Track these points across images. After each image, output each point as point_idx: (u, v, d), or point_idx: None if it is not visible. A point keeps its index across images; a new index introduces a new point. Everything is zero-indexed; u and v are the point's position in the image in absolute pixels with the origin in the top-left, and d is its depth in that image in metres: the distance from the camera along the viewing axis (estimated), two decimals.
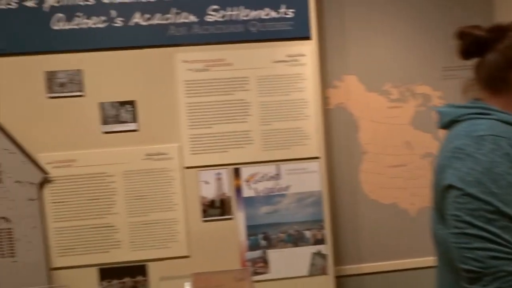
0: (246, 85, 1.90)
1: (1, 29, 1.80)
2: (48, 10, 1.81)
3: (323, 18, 2.06)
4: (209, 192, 1.93)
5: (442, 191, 0.90)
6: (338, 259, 2.09)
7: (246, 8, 1.87)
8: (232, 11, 1.87)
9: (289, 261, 1.96)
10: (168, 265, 1.94)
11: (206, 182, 1.92)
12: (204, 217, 1.93)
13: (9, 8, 1.81)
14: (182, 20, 1.85)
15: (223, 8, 1.87)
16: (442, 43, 2.13)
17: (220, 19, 1.87)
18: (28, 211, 1.85)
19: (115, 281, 1.93)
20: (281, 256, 1.96)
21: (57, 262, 1.90)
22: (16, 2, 1.80)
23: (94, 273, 1.92)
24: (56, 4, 1.81)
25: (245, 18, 1.87)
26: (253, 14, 1.88)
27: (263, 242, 1.96)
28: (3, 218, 1.85)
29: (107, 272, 1.93)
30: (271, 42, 1.90)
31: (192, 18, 1.86)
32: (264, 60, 1.90)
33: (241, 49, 1.90)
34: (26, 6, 1.80)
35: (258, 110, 1.91)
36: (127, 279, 1.94)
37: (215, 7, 1.86)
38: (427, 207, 2.14)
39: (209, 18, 1.87)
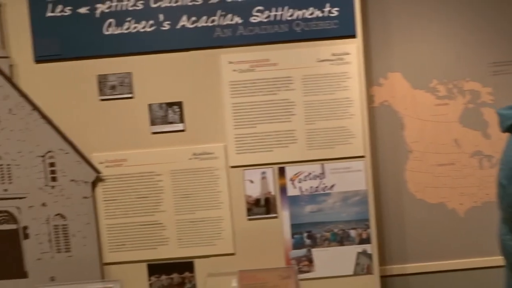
0: (291, 84, 1.91)
1: (57, 35, 1.89)
2: (99, 16, 1.89)
3: (367, 15, 2.04)
4: (254, 190, 1.95)
5: None
6: (383, 259, 2.07)
7: (290, 8, 1.88)
8: (276, 11, 1.88)
9: (334, 260, 1.96)
10: (214, 262, 1.98)
11: (251, 181, 1.95)
12: (249, 215, 1.96)
13: (63, 15, 1.89)
14: (227, 22, 1.88)
15: (268, 8, 1.88)
16: (491, 37, 2.07)
17: (265, 20, 1.89)
18: (82, 208, 1.94)
19: (163, 277, 1.99)
20: (326, 255, 1.96)
21: (109, 257, 1.98)
22: (70, 9, 1.88)
23: (143, 269, 1.99)
24: (107, 10, 1.89)
25: (289, 18, 1.88)
26: (298, 13, 1.88)
27: (307, 241, 1.96)
28: (59, 215, 1.95)
29: (156, 268, 1.99)
30: (316, 41, 1.90)
31: (237, 20, 1.88)
32: (308, 59, 1.90)
33: (285, 49, 1.91)
34: (79, 13, 1.89)
35: (303, 109, 1.92)
36: (175, 275, 1.99)
37: (259, 8, 1.88)
38: (476, 207, 2.08)
39: (253, 19, 1.89)
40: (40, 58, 1.90)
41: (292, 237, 1.96)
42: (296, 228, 1.96)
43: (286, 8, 1.88)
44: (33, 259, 1.95)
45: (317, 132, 1.92)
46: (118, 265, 1.99)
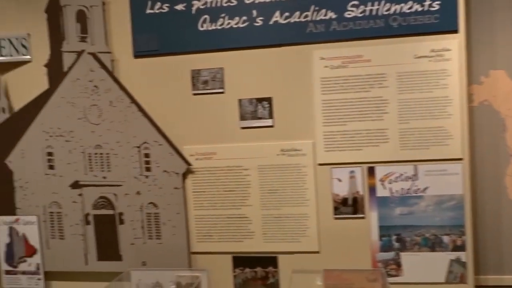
0: (384, 81, 1.84)
1: (155, 31, 1.97)
2: (195, 13, 1.94)
3: (470, 9, 1.91)
4: (342, 189, 1.92)
5: None
6: (478, 268, 1.95)
7: (387, 2, 1.81)
8: (372, 6, 1.82)
9: (424, 265, 1.88)
10: (298, 259, 1.97)
11: (339, 180, 1.91)
12: (336, 214, 1.93)
13: (161, 12, 1.97)
14: (321, 17, 1.85)
15: (363, 3, 1.82)
16: None
17: (360, 15, 1.83)
18: (173, 198, 2.02)
19: (247, 270, 2.03)
20: (416, 260, 1.88)
21: (197, 247, 2.05)
22: (167, 6, 1.95)
23: (228, 260, 2.04)
24: (202, 7, 1.93)
25: (386, 13, 1.81)
26: (395, 8, 1.80)
27: (396, 244, 1.89)
28: (152, 203, 2.04)
29: (241, 260, 2.03)
30: (414, 37, 1.81)
31: (331, 15, 1.84)
32: (405, 55, 1.82)
33: (380, 45, 1.84)
34: (176, 10, 1.95)
35: (396, 107, 1.84)
36: (258, 269, 2.02)
37: (355, 2, 1.83)
38: None
39: (348, 14, 1.84)
40: (139, 54, 2.00)
41: (380, 239, 1.90)
42: (384, 230, 1.90)
43: (382, 2, 1.81)
44: (127, 244, 2.07)
45: (411, 132, 1.84)
46: (204, 255, 2.05)
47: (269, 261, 2.00)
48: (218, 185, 2.01)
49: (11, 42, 2.05)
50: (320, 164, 1.92)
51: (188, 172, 2.01)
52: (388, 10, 1.81)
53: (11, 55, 2.06)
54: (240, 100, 1.96)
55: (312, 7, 1.86)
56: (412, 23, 1.80)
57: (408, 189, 1.87)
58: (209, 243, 2.04)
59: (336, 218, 1.93)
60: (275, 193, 1.96)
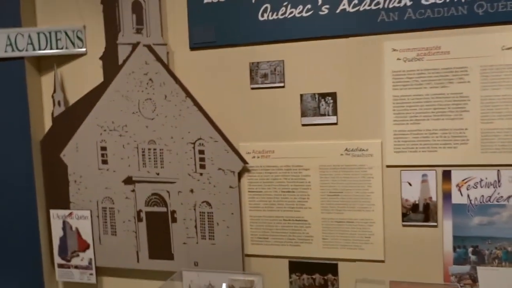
0: (466, 76, 1.65)
1: (212, 22, 1.87)
2: (255, 2, 1.82)
3: None
4: (412, 194, 1.75)
5: None
6: None
7: None
8: None
9: (504, 282, 1.69)
10: (360, 267, 1.83)
11: (409, 184, 1.75)
12: (404, 221, 1.77)
13: (219, 2, 1.86)
14: (394, 5, 1.68)
15: None
16: None
17: (439, 1, 1.64)
18: (228, 197, 1.92)
19: (305, 276, 1.91)
20: (494, 276, 1.69)
21: (251, 249, 1.94)
22: None
23: (284, 265, 1.93)
24: None
25: None
26: None
27: (472, 257, 1.71)
28: (206, 202, 1.96)
29: (298, 266, 1.91)
30: (502, 26, 1.60)
31: (406, 2, 1.67)
32: (490, 47, 1.62)
33: (461, 35, 1.64)
34: None
35: (478, 105, 1.65)
36: (317, 275, 1.89)
37: None
38: None
39: (425, 1, 1.65)
40: (195, 45, 1.91)
41: (454, 250, 1.72)
42: (459, 240, 1.72)
43: None
44: (180, 243, 2.00)
45: (495, 133, 1.64)
46: (259, 258, 1.95)
47: (328, 268, 1.87)
48: (276, 185, 1.89)
49: (67, 35, 2.01)
50: (389, 166, 1.76)
51: (244, 170, 1.91)
52: None
53: (66, 48, 2.02)
54: (301, 95, 1.83)
55: None
56: (501, 10, 1.59)
57: (489, 196, 1.67)
58: (264, 246, 1.93)
59: (405, 226, 1.77)
60: (337, 195, 1.82)
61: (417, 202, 1.75)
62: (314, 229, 1.87)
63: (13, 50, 2.00)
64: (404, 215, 1.77)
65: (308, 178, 1.85)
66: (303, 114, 1.83)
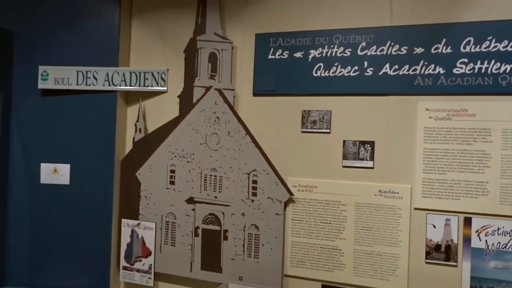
0: (488, 136, 1.91)
1: (273, 74, 2.24)
2: (311, 61, 2.18)
3: None
4: (436, 235, 1.99)
5: None
6: None
7: (498, 61, 1.89)
8: (482, 64, 1.91)
9: None
10: None
11: (434, 226, 1.99)
12: (427, 259, 2.00)
13: (281, 58, 2.24)
14: (429, 72, 1.99)
15: (473, 61, 1.92)
16: None
17: (468, 72, 1.93)
18: (274, 223, 2.23)
19: None
20: None
21: (290, 270, 2.23)
22: (287, 53, 2.22)
23: (318, 287, 2.19)
24: (318, 56, 2.16)
25: (495, 71, 1.89)
26: (506, 67, 1.88)
27: None
28: (254, 225, 2.27)
29: None
30: None
31: (440, 70, 1.97)
32: (510, 113, 1.88)
33: (487, 101, 1.92)
34: (295, 57, 2.21)
35: (499, 162, 1.89)
36: None
37: (464, 60, 1.93)
38: None
39: (456, 71, 1.95)
40: (258, 92, 2.28)
41: None
42: (476, 281, 1.93)
43: (493, 61, 1.90)
44: (228, 258, 2.32)
45: None
46: (296, 279, 2.22)
47: None
48: (316, 216, 2.18)
49: (153, 75, 2.45)
50: (416, 209, 2.02)
51: (289, 201, 2.22)
52: (498, 69, 1.89)
53: (151, 86, 2.46)
54: (344, 141, 2.14)
55: (422, 62, 2.00)
56: None
57: (505, 244, 1.89)
58: (301, 269, 2.21)
59: (428, 263, 2.00)
60: (369, 230, 2.09)
61: (439, 243, 1.98)
62: (347, 258, 2.13)
63: (109, 85, 2.46)
64: (427, 253, 2.00)
65: (345, 212, 2.13)
66: (344, 157, 2.14)
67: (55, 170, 2.52)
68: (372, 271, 2.09)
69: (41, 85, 2.50)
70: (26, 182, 2.55)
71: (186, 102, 2.40)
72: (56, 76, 2.48)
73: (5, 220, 2.55)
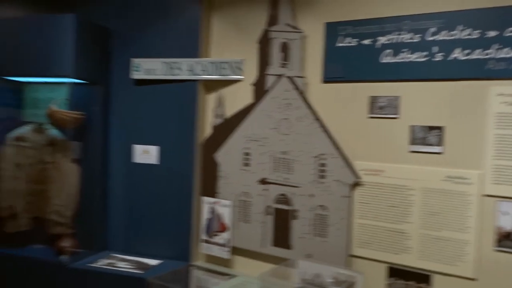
0: None
1: (342, 61, 2.32)
2: (379, 47, 2.22)
3: None
4: (507, 223, 1.95)
5: None
6: None
7: None
8: None
9: None
10: (452, 281, 2.08)
11: (505, 213, 1.95)
12: (497, 246, 1.97)
13: (350, 46, 2.30)
14: (502, 55, 1.93)
15: None
16: None
17: None
18: (341, 205, 2.33)
19: (400, 281, 2.21)
20: None
21: (355, 251, 2.32)
22: (356, 41, 2.28)
23: (382, 269, 2.25)
24: (386, 42, 2.20)
25: None
26: None
27: None
28: (322, 206, 2.39)
29: (395, 271, 2.22)
30: None
31: None
32: None
33: None
34: (363, 44, 2.26)
35: None
36: (411, 283, 2.18)
37: None
38: None
39: None
40: (327, 79, 2.37)
41: None
42: None
43: None
44: (297, 237, 2.46)
45: None
46: (361, 260, 2.31)
47: (423, 277, 2.15)
48: (382, 200, 2.24)
49: (230, 65, 2.65)
50: (486, 195, 1.99)
51: (356, 184, 2.30)
52: None
53: (229, 75, 2.66)
54: (412, 126, 2.16)
55: (495, 46, 1.95)
56: None
57: None
58: (367, 250, 2.29)
59: (497, 251, 1.97)
60: (436, 215, 2.10)
61: (510, 231, 1.94)
62: (413, 241, 2.17)
63: (192, 74, 2.71)
64: (497, 241, 1.97)
65: (412, 197, 2.17)
66: (412, 142, 2.16)
67: (145, 151, 2.85)
68: (439, 255, 2.11)
69: (134, 75, 2.83)
70: (122, 160, 2.91)
71: (260, 90, 2.57)
72: (146, 67, 2.79)
73: (106, 194, 2.95)
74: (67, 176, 2.75)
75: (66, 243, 2.71)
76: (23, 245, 2.90)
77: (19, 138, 2.83)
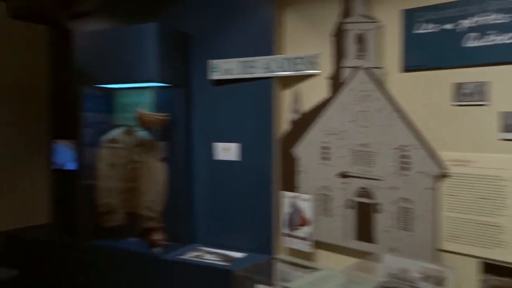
0: None
1: (422, 48, 2.23)
2: (461, 31, 2.10)
3: None
4: None
5: None
6: None
7: None
8: None
9: None
10: None
11: None
12: None
13: (429, 32, 2.21)
14: None
15: None
16: None
17: None
18: (426, 197, 2.25)
19: (494, 277, 2.09)
20: None
21: (444, 245, 2.23)
22: (436, 26, 2.18)
23: (473, 264, 2.14)
24: (470, 25, 2.08)
25: None
26: None
27: None
28: (406, 199, 2.33)
29: (488, 267, 2.10)
30: None
31: None
32: None
33: None
34: (444, 29, 2.16)
35: None
36: (506, 280, 2.05)
37: None
38: None
39: None
40: (407, 68, 2.30)
41: None
42: None
43: None
44: (381, 230, 2.43)
45: None
46: (451, 254, 2.22)
47: None
48: (472, 192, 2.13)
49: (305, 60, 2.67)
50: None
51: (442, 175, 2.21)
52: None
53: (304, 70, 2.67)
54: (503, 113, 2.03)
55: None
56: None
57: None
58: (457, 244, 2.19)
59: None
60: None
61: None
62: (509, 235, 2.04)
63: (267, 72, 2.76)
64: None
65: (505, 188, 2.03)
66: (504, 130, 2.03)
67: (226, 149, 2.96)
68: None
69: (212, 76, 2.94)
70: (204, 158, 3.06)
71: (336, 83, 2.55)
72: (223, 68, 2.90)
73: (191, 190, 3.11)
74: (156, 174, 2.94)
75: (158, 236, 2.91)
76: (119, 238, 3.16)
77: (112, 140, 3.08)
